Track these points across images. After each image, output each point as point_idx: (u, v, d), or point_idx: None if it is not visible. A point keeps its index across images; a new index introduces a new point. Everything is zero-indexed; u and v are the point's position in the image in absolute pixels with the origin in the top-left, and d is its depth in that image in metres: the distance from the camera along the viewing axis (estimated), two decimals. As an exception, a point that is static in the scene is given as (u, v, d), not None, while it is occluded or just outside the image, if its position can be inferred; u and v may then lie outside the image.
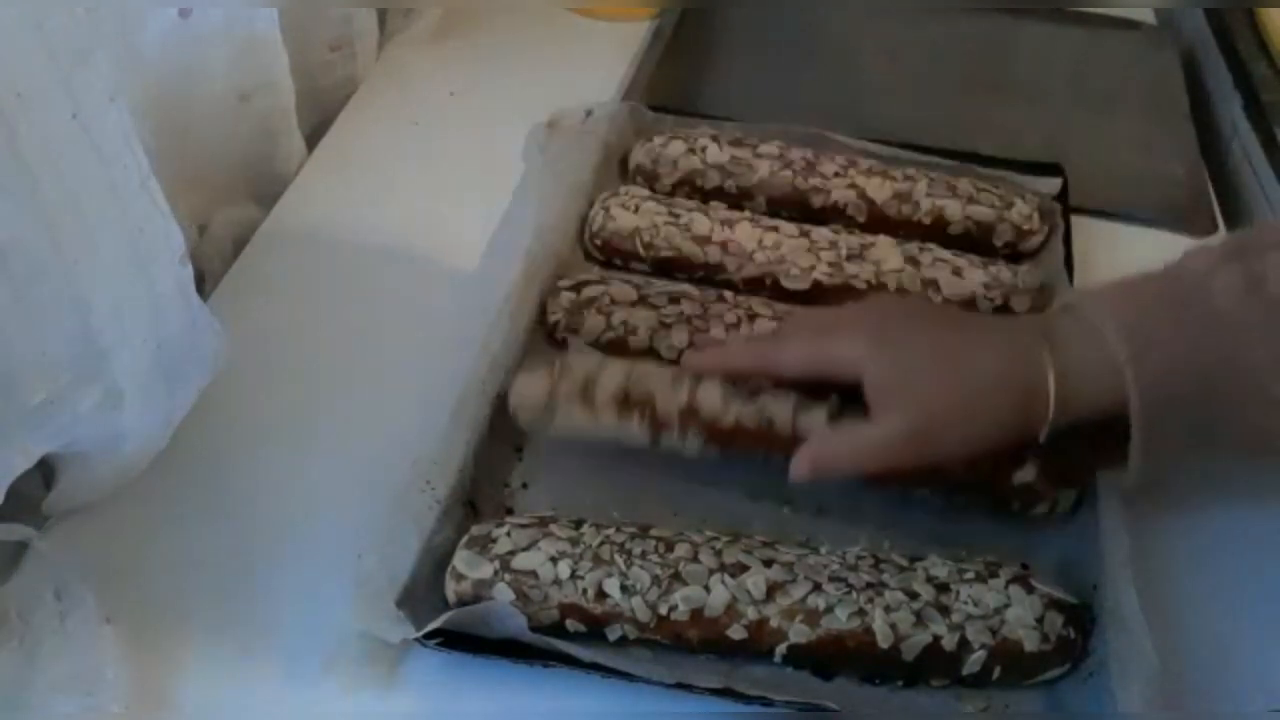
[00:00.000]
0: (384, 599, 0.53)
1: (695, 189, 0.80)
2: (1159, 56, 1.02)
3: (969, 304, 0.73)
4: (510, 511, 0.61)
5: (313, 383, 0.66)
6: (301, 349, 0.68)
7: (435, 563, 0.56)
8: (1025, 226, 0.79)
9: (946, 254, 0.75)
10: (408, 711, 0.54)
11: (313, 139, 0.80)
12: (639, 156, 0.82)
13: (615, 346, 0.68)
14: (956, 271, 0.74)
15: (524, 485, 0.63)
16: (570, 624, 0.55)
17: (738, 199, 0.80)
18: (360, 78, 0.84)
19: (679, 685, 0.53)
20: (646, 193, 0.79)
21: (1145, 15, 1.08)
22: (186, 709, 0.53)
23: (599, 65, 0.92)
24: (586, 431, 0.60)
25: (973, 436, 0.56)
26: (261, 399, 0.65)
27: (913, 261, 0.74)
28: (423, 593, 0.55)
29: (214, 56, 0.69)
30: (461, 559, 0.56)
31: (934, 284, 0.73)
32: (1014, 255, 0.79)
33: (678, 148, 0.81)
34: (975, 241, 0.78)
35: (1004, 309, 0.73)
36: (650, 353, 0.68)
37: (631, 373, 0.61)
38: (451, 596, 0.55)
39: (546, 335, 0.69)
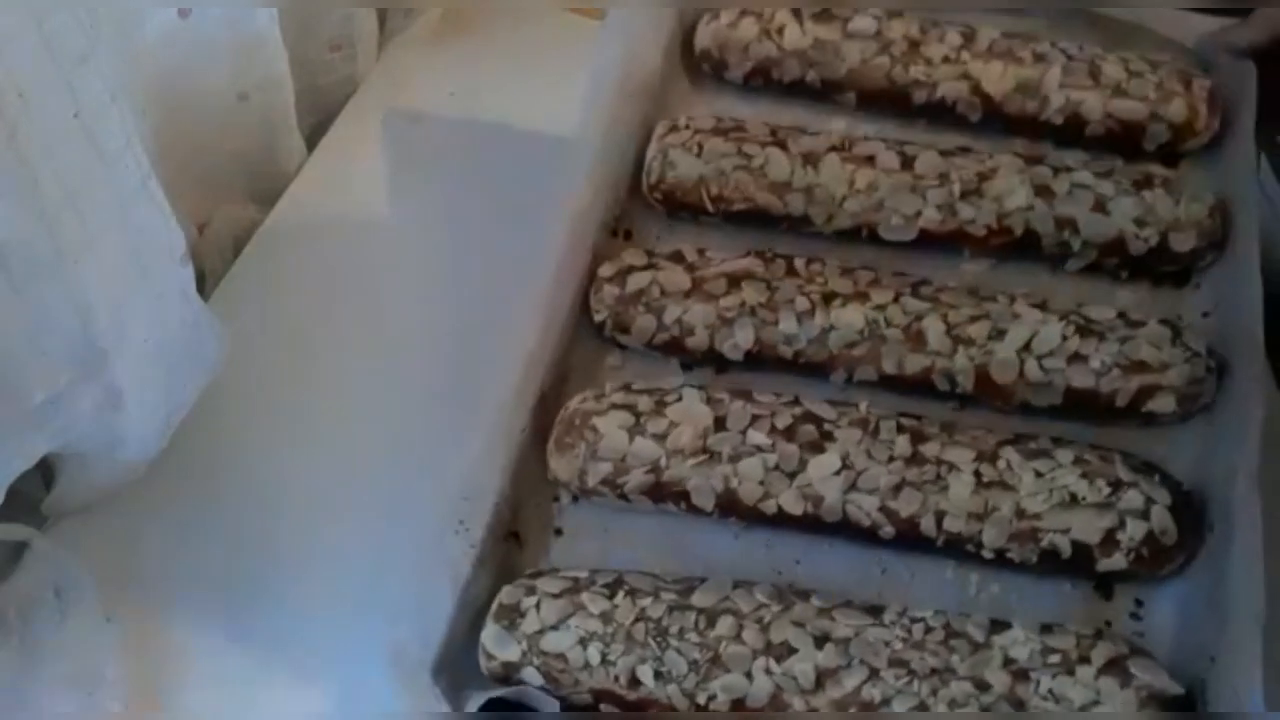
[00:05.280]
0: (420, 674, 0.50)
1: (770, 80, 0.68)
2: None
3: (1115, 245, 0.62)
4: (560, 533, 0.58)
5: (313, 383, 0.66)
6: (301, 349, 0.68)
7: (472, 617, 0.53)
8: (1187, 123, 0.65)
9: (1088, 176, 0.63)
10: (409, 710, 0.53)
11: (313, 139, 0.80)
12: (704, 39, 0.69)
13: (671, 347, 0.61)
14: (1099, 205, 0.62)
15: (574, 499, 0.58)
16: (605, 707, 0.52)
17: (822, 93, 0.68)
18: (360, 78, 0.83)
19: None
20: (711, 122, 0.67)
21: None
22: (186, 709, 0.53)
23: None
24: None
25: None
26: (261, 399, 0.65)
27: (1044, 192, 0.62)
28: (459, 653, 0.52)
29: (214, 56, 0.69)
30: (490, 636, 0.52)
31: (1071, 224, 0.62)
32: (1172, 156, 0.66)
33: (749, 29, 0.68)
34: (1119, 143, 0.66)
35: (1159, 251, 0.62)
36: (711, 353, 0.60)
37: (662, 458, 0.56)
38: (485, 672, 0.52)
39: (595, 329, 0.62)
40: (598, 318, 0.62)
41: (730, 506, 0.56)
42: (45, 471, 0.57)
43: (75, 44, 0.45)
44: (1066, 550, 0.54)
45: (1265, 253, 0.61)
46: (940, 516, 0.54)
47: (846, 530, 0.56)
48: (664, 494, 0.56)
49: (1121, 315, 0.60)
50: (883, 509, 0.55)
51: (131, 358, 0.53)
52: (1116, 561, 0.54)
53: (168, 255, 0.53)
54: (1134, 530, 0.54)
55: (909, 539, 0.55)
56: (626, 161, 0.67)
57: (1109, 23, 0.72)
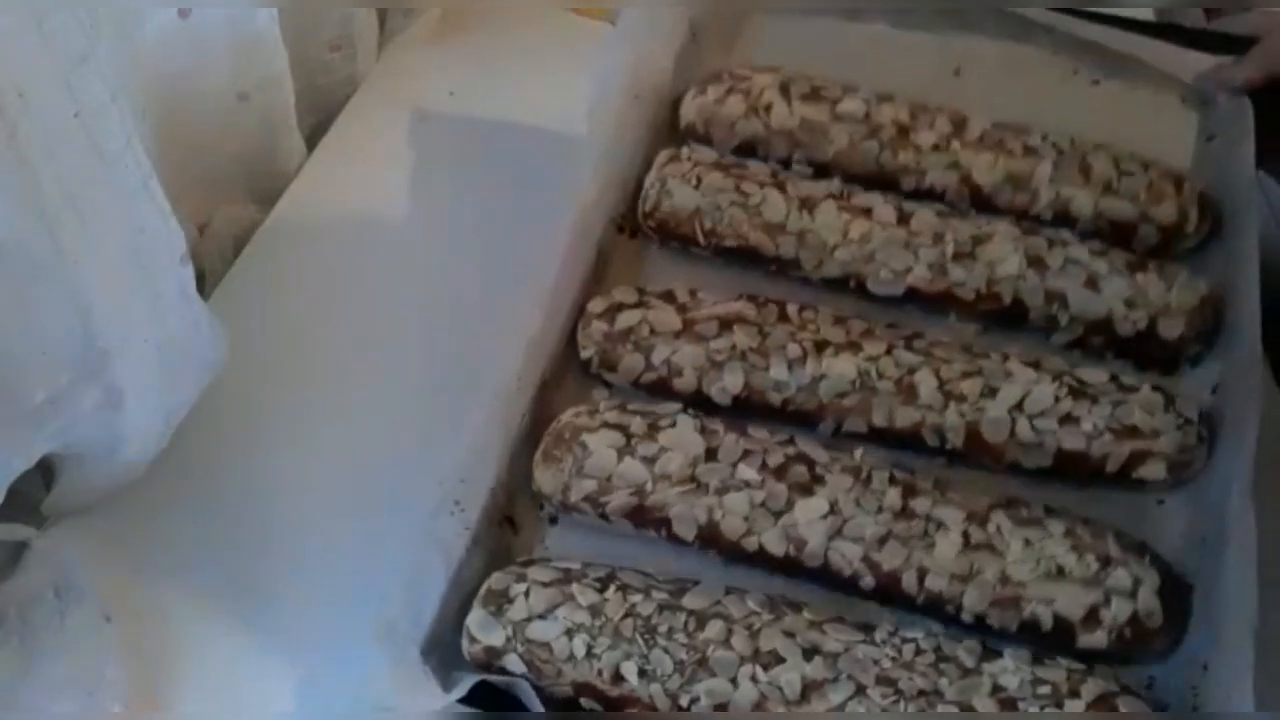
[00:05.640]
0: (409, 651, 0.50)
1: (759, 157, 0.68)
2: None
3: (1103, 324, 0.61)
4: (555, 521, 0.57)
5: (313, 383, 0.66)
6: (301, 349, 0.68)
7: (464, 599, 0.53)
8: (1177, 226, 0.65)
9: (1083, 252, 0.62)
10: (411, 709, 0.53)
11: (313, 139, 0.80)
12: (689, 113, 0.69)
13: (658, 388, 0.60)
14: (1091, 282, 0.61)
15: (553, 519, 0.58)
16: (585, 702, 0.51)
17: (810, 173, 0.67)
18: (360, 78, 0.83)
19: None
20: (713, 157, 0.67)
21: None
22: (186, 709, 0.53)
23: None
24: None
25: None
26: (261, 399, 0.65)
27: (1037, 263, 0.62)
28: (450, 633, 0.52)
29: (214, 56, 0.69)
30: (475, 620, 0.52)
31: (1060, 297, 0.61)
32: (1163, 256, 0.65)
33: (736, 106, 0.68)
34: (1109, 241, 0.65)
35: (1147, 335, 0.61)
36: (699, 396, 0.60)
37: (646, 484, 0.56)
38: (466, 656, 0.52)
39: (582, 367, 0.62)
40: (585, 354, 0.61)
41: (711, 539, 0.55)
42: (45, 471, 0.57)
43: (75, 44, 0.45)
44: (1048, 622, 0.53)
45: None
46: (923, 574, 0.54)
47: (826, 577, 0.55)
48: (646, 519, 0.56)
49: (1114, 379, 0.60)
50: (865, 559, 0.54)
51: (131, 358, 0.53)
52: (1098, 639, 0.53)
53: (168, 255, 0.53)
54: (1119, 610, 0.53)
55: (889, 593, 0.54)
56: (634, 163, 0.67)
57: (1109, 55, 0.73)
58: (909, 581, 0.54)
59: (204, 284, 0.70)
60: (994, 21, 0.75)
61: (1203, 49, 0.72)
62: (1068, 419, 0.58)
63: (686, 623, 0.51)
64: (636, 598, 0.52)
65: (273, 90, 0.73)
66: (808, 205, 0.64)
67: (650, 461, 0.56)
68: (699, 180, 0.65)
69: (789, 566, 0.55)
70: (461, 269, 0.73)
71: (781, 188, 0.65)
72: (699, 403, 0.60)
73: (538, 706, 0.50)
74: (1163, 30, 0.75)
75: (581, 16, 0.95)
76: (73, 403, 0.51)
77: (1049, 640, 0.53)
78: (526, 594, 0.52)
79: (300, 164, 0.78)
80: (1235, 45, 0.72)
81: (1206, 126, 0.72)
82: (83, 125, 0.46)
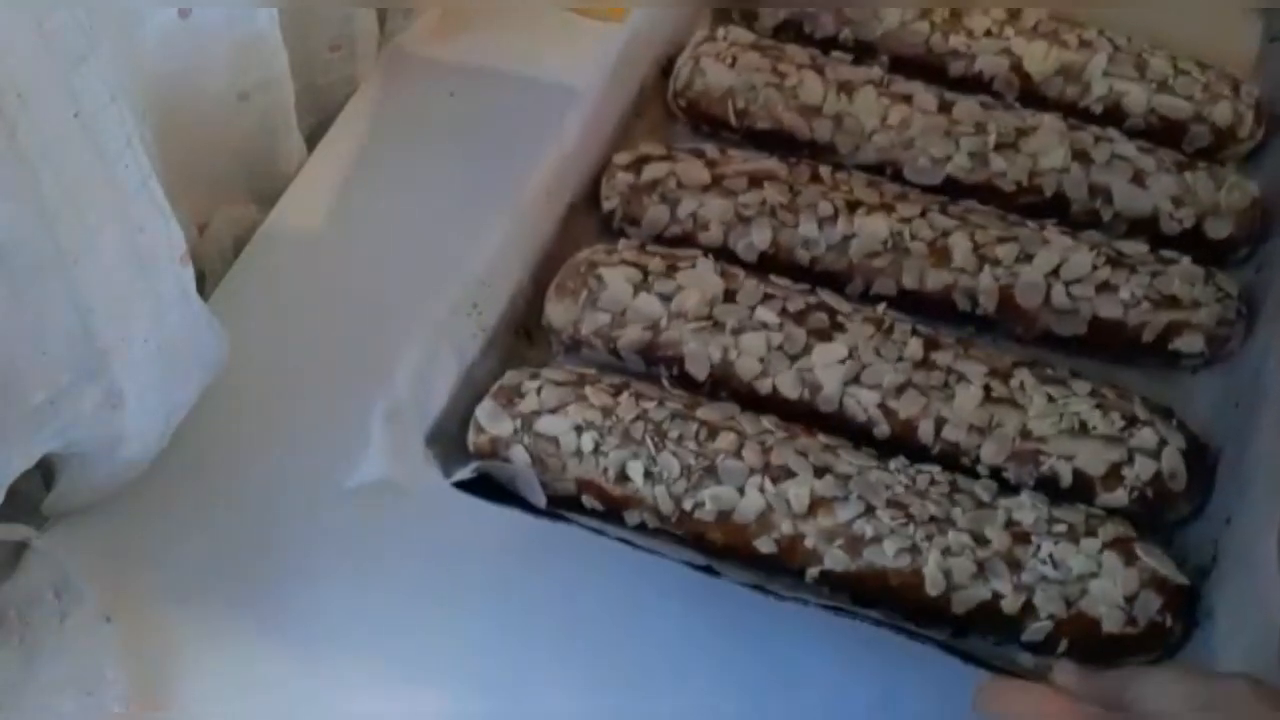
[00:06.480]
0: (412, 439, 0.49)
1: (802, 35, 0.66)
2: None
3: (1148, 222, 0.59)
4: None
5: (313, 383, 0.66)
6: (301, 349, 0.68)
7: (474, 397, 0.51)
8: (1231, 129, 0.62)
9: (1130, 148, 0.60)
10: (411, 711, 0.53)
11: (313, 139, 0.80)
12: None
13: (682, 242, 0.58)
14: (1138, 178, 0.59)
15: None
16: (587, 500, 0.50)
17: (855, 55, 0.65)
18: (360, 78, 0.83)
19: (707, 569, 0.47)
20: (751, 38, 0.64)
21: None
22: (186, 709, 0.53)
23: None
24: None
25: None
26: (261, 399, 0.64)
27: (1081, 157, 0.59)
28: (456, 428, 0.51)
29: (214, 56, 0.69)
30: (484, 410, 0.51)
31: (1104, 192, 0.59)
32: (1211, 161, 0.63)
33: None
34: (1159, 140, 0.63)
35: (1193, 234, 0.58)
36: (724, 251, 0.57)
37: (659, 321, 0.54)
38: (471, 447, 0.51)
39: (601, 223, 0.59)
40: (607, 205, 0.59)
41: (724, 380, 0.54)
42: (45, 471, 0.57)
43: (75, 44, 0.44)
44: (1067, 478, 0.51)
45: None
46: (940, 424, 0.52)
47: (840, 424, 0.53)
48: (658, 356, 0.54)
49: (1153, 251, 0.58)
50: (881, 406, 0.52)
51: (131, 358, 0.53)
52: (1118, 498, 0.51)
53: (168, 255, 0.53)
54: (1142, 468, 0.51)
55: (904, 442, 0.52)
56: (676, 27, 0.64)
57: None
58: (925, 431, 0.52)
59: (204, 284, 0.70)
60: None
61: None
62: (1105, 286, 0.56)
63: (698, 431, 0.50)
64: (650, 404, 0.51)
65: (273, 90, 0.73)
66: (846, 89, 0.62)
67: (666, 299, 0.54)
68: (734, 60, 0.62)
69: (803, 412, 0.53)
70: (461, 269, 0.72)
71: (820, 71, 0.62)
72: (724, 259, 0.58)
73: (540, 497, 0.49)
74: None
75: (581, 16, 0.95)
76: (73, 403, 0.51)
77: (1067, 497, 0.51)
78: (539, 391, 0.51)
79: (300, 164, 0.78)
80: None
81: (1271, 28, 0.70)
82: (83, 125, 0.46)
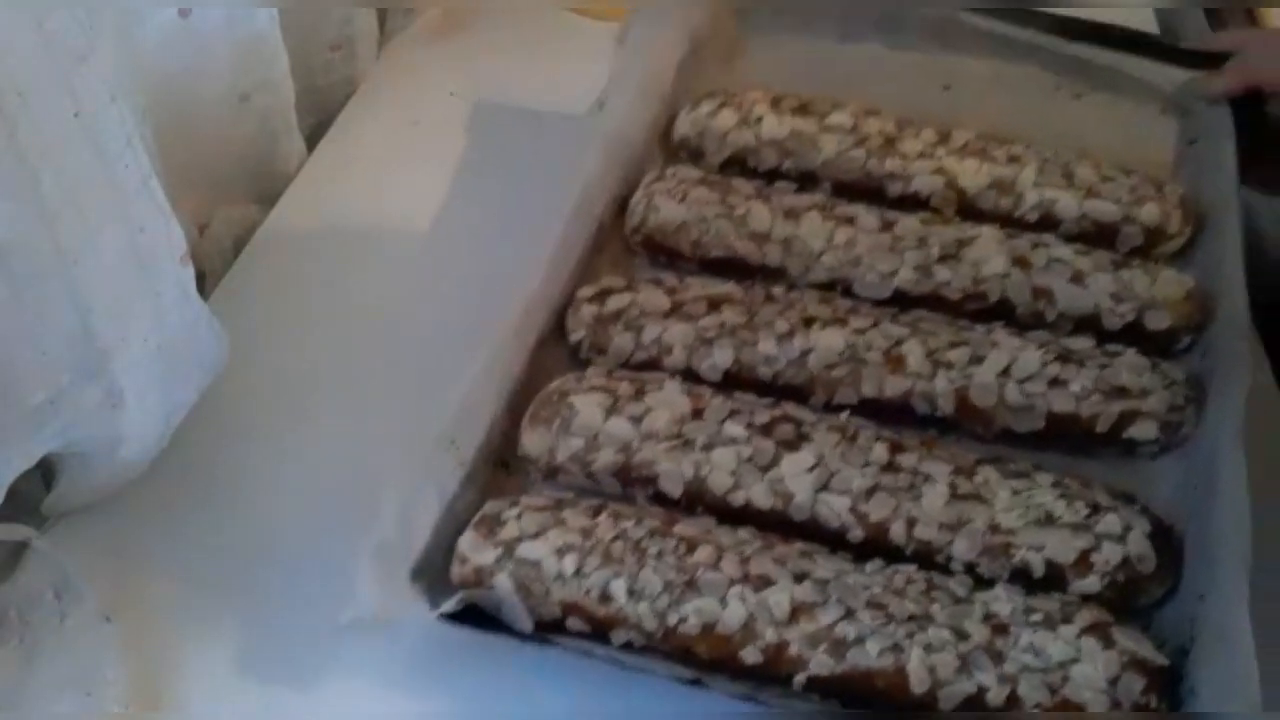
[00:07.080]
0: (398, 574, 0.50)
1: (747, 169, 0.69)
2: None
3: (1091, 319, 0.62)
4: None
5: (313, 383, 0.66)
6: (301, 349, 0.68)
7: (456, 529, 0.53)
8: (1160, 227, 0.65)
9: (1066, 251, 0.63)
10: (408, 709, 0.53)
11: (313, 139, 0.80)
12: (683, 128, 0.71)
13: (648, 367, 0.60)
14: (1077, 278, 0.62)
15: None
16: (572, 622, 0.51)
17: (798, 183, 0.68)
18: (360, 78, 0.83)
19: (694, 683, 0.48)
20: (698, 174, 0.68)
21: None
22: (186, 709, 0.53)
23: (599, 65, 0.92)
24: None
25: None
26: (261, 399, 0.65)
27: (1021, 263, 0.62)
28: (441, 560, 0.52)
29: (214, 56, 0.69)
30: (466, 541, 0.52)
31: (1047, 294, 0.62)
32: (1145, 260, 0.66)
33: (727, 119, 0.70)
34: (1093, 244, 0.66)
35: (1135, 328, 0.61)
36: (689, 373, 0.60)
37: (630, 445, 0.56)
38: (455, 578, 0.52)
39: (569, 354, 0.62)
40: (574, 336, 0.62)
41: (698, 495, 0.55)
42: (45, 471, 0.57)
43: (75, 44, 0.45)
44: (1039, 568, 0.53)
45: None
46: (911, 524, 0.54)
47: (814, 530, 0.54)
48: (632, 477, 0.56)
49: (1099, 345, 0.60)
50: (853, 510, 0.54)
51: (131, 358, 0.53)
52: (1090, 584, 0.52)
53: (168, 255, 0.53)
54: (1110, 553, 0.52)
55: (877, 544, 0.54)
56: (636, 150, 0.68)
57: (1092, 70, 0.76)
58: (897, 531, 0.54)
59: (204, 284, 0.70)
60: (981, 41, 0.78)
61: (1182, 65, 0.75)
62: (1056, 382, 0.58)
63: (677, 546, 0.51)
64: (628, 523, 0.52)
65: (273, 91, 0.73)
66: (792, 215, 0.65)
67: (637, 421, 0.56)
68: (684, 195, 0.66)
69: (777, 521, 0.55)
70: (461, 268, 0.73)
71: (766, 200, 0.66)
72: (690, 380, 0.60)
73: (526, 623, 0.50)
74: (1143, 47, 0.78)
75: (581, 16, 0.95)
76: (73, 403, 0.51)
77: (1041, 586, 0.53)
78: (519, 517, 0.53)
79: (300, 164, 0.78)
80: (1213, 61, 0.75)
81: (1188, 131, 0.74)
82: (83, 125, 0.46)
